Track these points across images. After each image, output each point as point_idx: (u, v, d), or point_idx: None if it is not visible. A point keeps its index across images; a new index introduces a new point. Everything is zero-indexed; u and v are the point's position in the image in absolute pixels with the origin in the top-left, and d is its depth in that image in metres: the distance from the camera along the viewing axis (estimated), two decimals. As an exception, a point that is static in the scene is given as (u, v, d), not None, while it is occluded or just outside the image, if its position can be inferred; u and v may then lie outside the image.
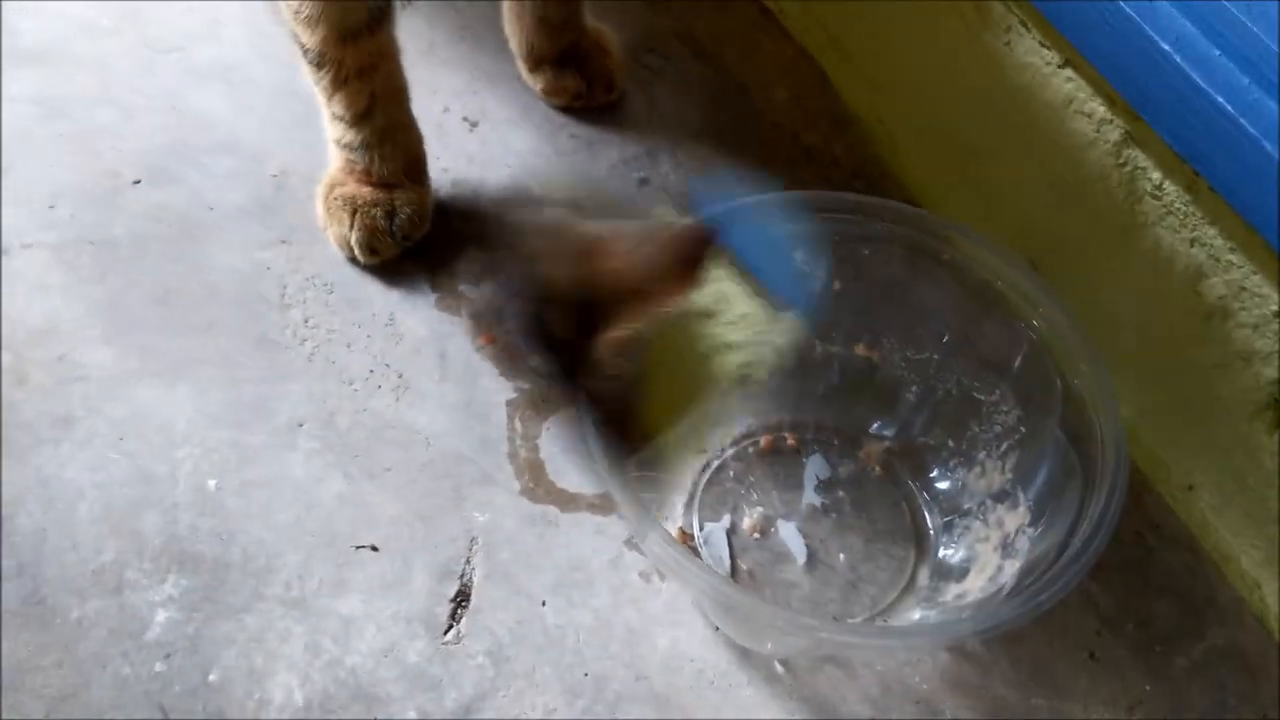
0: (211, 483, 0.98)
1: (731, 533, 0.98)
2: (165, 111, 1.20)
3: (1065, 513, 0.86)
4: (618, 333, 0.80)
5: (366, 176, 1.07)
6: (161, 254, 1.10)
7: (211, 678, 0.89)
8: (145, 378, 1.02)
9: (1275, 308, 0.88)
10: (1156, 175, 0.94)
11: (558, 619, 0.93)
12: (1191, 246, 0.92)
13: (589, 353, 0.80)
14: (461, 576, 0.95)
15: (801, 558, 0.97)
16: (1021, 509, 0.92)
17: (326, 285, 1.10)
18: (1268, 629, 0.96)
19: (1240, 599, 0.98)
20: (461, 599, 0.94)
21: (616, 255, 0.80)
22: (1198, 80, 0.84)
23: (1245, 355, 0.91)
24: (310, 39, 0.98)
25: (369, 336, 1.07)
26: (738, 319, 0.83)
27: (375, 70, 1.01)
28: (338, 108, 1.03)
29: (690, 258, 0.81)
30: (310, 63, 1.00)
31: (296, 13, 0.97)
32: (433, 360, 1.06)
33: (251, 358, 1.05)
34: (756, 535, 0.98)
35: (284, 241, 1.12)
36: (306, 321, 1.07)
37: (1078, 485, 0.87)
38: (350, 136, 1.04)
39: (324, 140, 1.10)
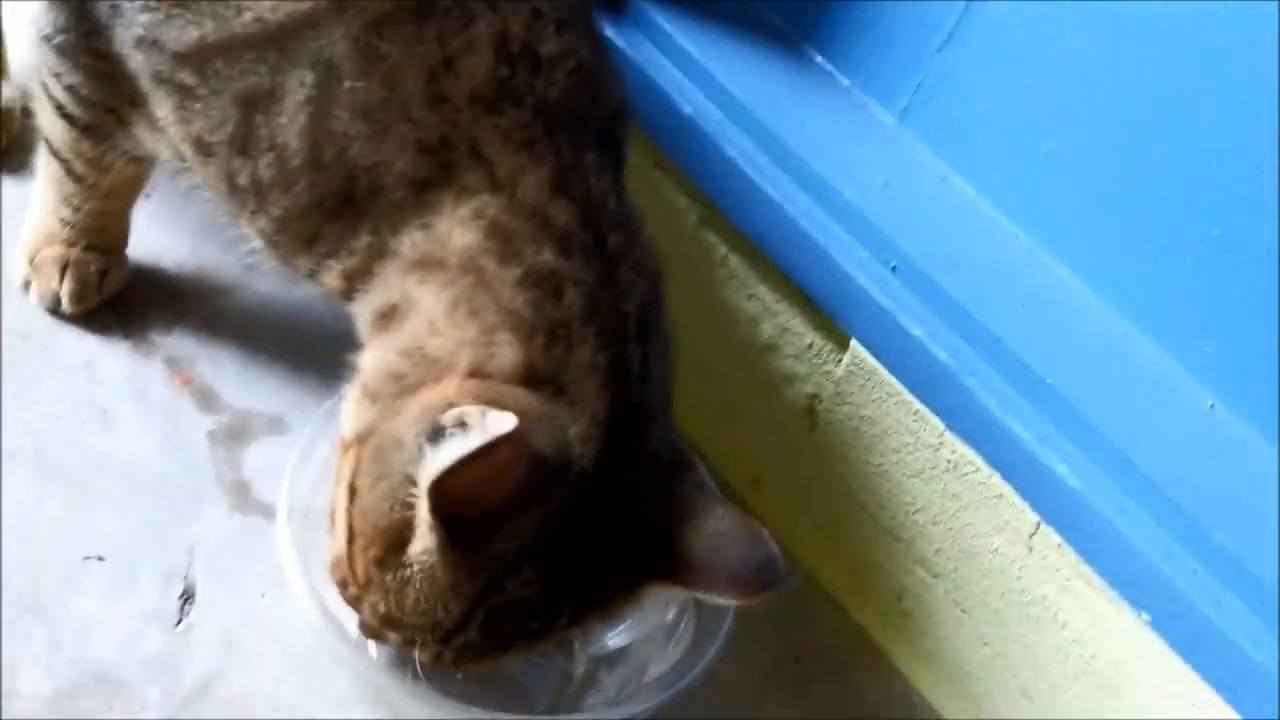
0: (-70, 508, 1.04)
1: None
2: None
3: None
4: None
5: (74, 243, 1.18)
6: None
7: (-43, 677, 0.96)
8: None
9: (807, 343, 1.24)
10: (723, 249, 1.28)
11: (276, 606, 1.09)
12: (748, 300, 1.27)
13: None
14: (185, 578, 1.08)
15: None
16: None
17: (21, 334, 1.19)
18: (826, 590, 1.30)
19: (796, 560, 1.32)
20: (188, 596, 1.07)
21: (696, 530, 0.88)
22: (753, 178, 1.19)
23: (790, 378, 1.26)
24: (79, 164, 1.11)
25: (68, 379, 1.17)
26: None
27: (125, 190, 1.17)
28: (76, 200, 1.15)
29: (750, 582, 0.88)
30: (66, 173, 1.13)
31: (73, 148, 1.10)
32: (133, 398, 1.18)
33: (-47, 397, 1.12)
34: None
35: (-29, 295, 1.20)
36: (6, 365, 1.16)
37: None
38: (77, 218, 1.16)
39: (9, 203, 1.21)
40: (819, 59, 1.26)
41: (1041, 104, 1.11)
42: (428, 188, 0.88)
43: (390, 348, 0.89)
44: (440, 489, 0.77)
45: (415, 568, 0.84)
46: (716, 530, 0.88)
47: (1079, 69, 1.08)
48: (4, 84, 1.31)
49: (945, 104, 1.18)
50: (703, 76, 1.23)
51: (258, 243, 0.97)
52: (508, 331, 0.84)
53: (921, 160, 1.20)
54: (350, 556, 0.88)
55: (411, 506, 0.82)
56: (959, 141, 1.18)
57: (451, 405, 0.79)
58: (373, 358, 0.91)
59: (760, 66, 1.24)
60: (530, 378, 0.83)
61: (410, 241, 0.88)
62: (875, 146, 1.20)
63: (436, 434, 0.78)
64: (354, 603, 0.91)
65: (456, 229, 0.87)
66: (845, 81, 1.25)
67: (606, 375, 0.85)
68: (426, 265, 0.88)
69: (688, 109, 1.22)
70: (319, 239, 0.92)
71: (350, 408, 0.91)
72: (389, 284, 0.90)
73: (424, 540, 0.82)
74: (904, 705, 1.23)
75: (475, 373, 0.84)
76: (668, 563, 0.88)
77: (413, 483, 0.80)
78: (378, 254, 0.90)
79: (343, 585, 0.91)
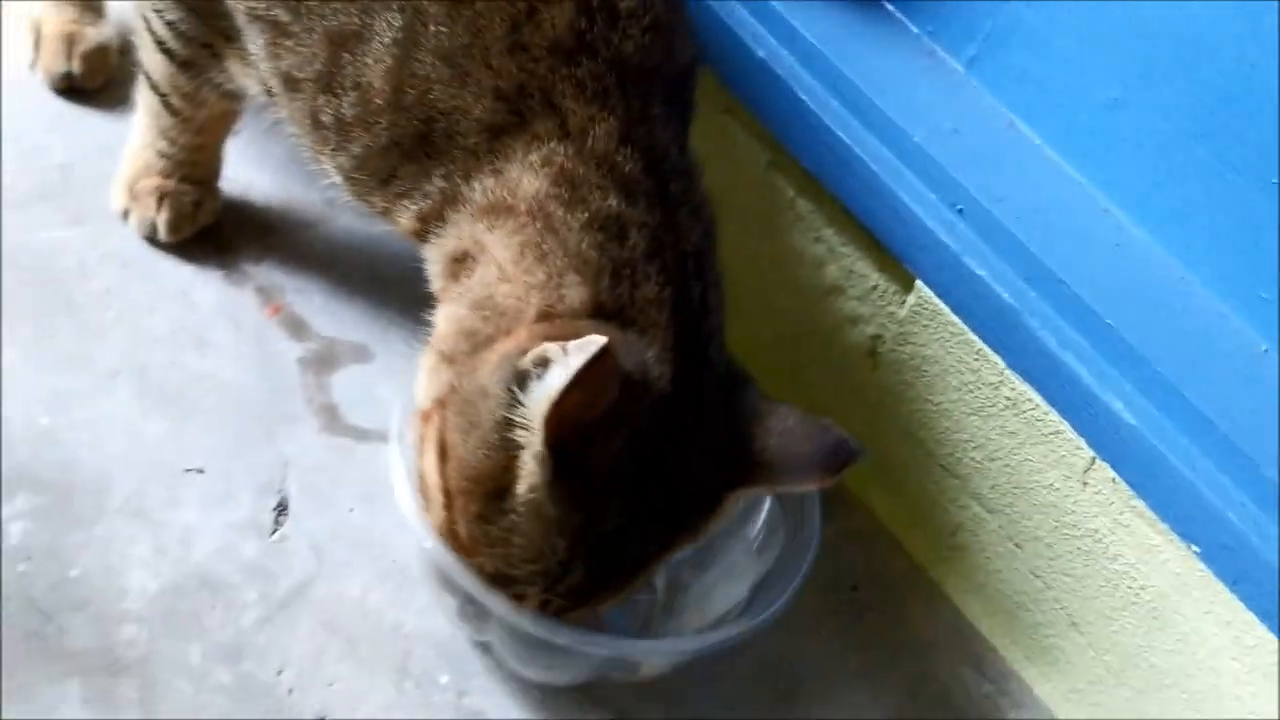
0: (44, 420, 1.11)
1: None
2: (-59, 102, 1.30)
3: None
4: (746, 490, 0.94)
5: (170, 175, 1.24)
6: (-39, 228, 1.21)
7: (73, 574, 1.03)
8: (-36, 331, 1.14)
9: (871, 285, 1.28)
10: (791, 192, 1.32)
11: (365, 521, 1.15)
12: (814, 243, 1.31)
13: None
14: (279, 492, 1.14)
15: None
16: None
17: (122, 261, 1.25)
18: (883, 524, 1.34)
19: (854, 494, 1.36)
20: (281, 509, 1.13)
21: (767, 431, 0.93)
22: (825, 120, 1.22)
23: (854, 319, 1.31)
24: (176, 98, 1.17)
25: (167, 304, 1.24)
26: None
27: (217, 126, 1.22)
28: (172, 133, 1.20)
29: (826, 466, 0.93)
30: (163, 106, 1.18)
31: (171, 82, 1.15)
32: (227, 325, 1.24)
33: (62, 318, 1.18)
34: None
35: (77, 223, 1.26)
36: (108, 290, 1.22)
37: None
38: (174, 151, 1.22)
39: (103, 139, 1.28)
40: (890, 6, 1.29)
41: (1107, 52, 1.14)
42: (501, 134, 0.92)
43: (461, 301, 0.93)
44: (556, 412, 0.81)
45: (521, 510, 0.87)
46: (785, 427, 0.93)
47: (1146, 17, 1.10)
48: (102, 23, 1.37)
49: (1012, 52, 1.21)
50: (776, 21, 1.26)
51: (336, 179, 1.02)
52: (574, 273, 0.89)
53: (988, 107, 1.23)
54: (451, 521, 0.92)
55: (506, 450, 0.86)
56: (1025, 89, 1.21)
57: (525, 351, 0.84)
58: (445, 315, 0.95)
59: (832, 13, 1.27)
60: (597, 313, 0.88)
61: (482, 188, 0.93)
62: (943, 93, 1.23)
63: (521, 378, 0.83)
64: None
65: (526, 175, 0.91)
66: (915, 29, 1.27)
67: (671, 308, 0.90)
68: (496, 211, 0.92)
69: (761, 52, 1.25)
70: (395, 178, 0.97)
71: (424, 376, 0.95)
72: (460, 230, 0.94)
73: (530, 478, 0.85)
74: (954, 634, 1.28)
75: (544, 316, 0.89)
76: (747, 467, 0.93)
77: (506, 426, 0.85)
78: (450, 199, 0.94)
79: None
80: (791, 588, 1.05)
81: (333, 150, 0.99)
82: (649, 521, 0.91)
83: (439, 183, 0.94)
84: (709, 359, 0.94)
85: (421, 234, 0.98)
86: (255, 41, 1.00)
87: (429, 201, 0.96)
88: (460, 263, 0.95)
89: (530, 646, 1.02)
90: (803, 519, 1.10)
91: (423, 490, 0.95)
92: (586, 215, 0.90)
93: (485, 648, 1.09)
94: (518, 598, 0.94)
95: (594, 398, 0.82)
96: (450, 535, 0.93)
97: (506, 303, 0.90)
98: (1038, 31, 1.18)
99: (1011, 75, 1.22)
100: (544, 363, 0.82)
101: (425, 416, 0.93)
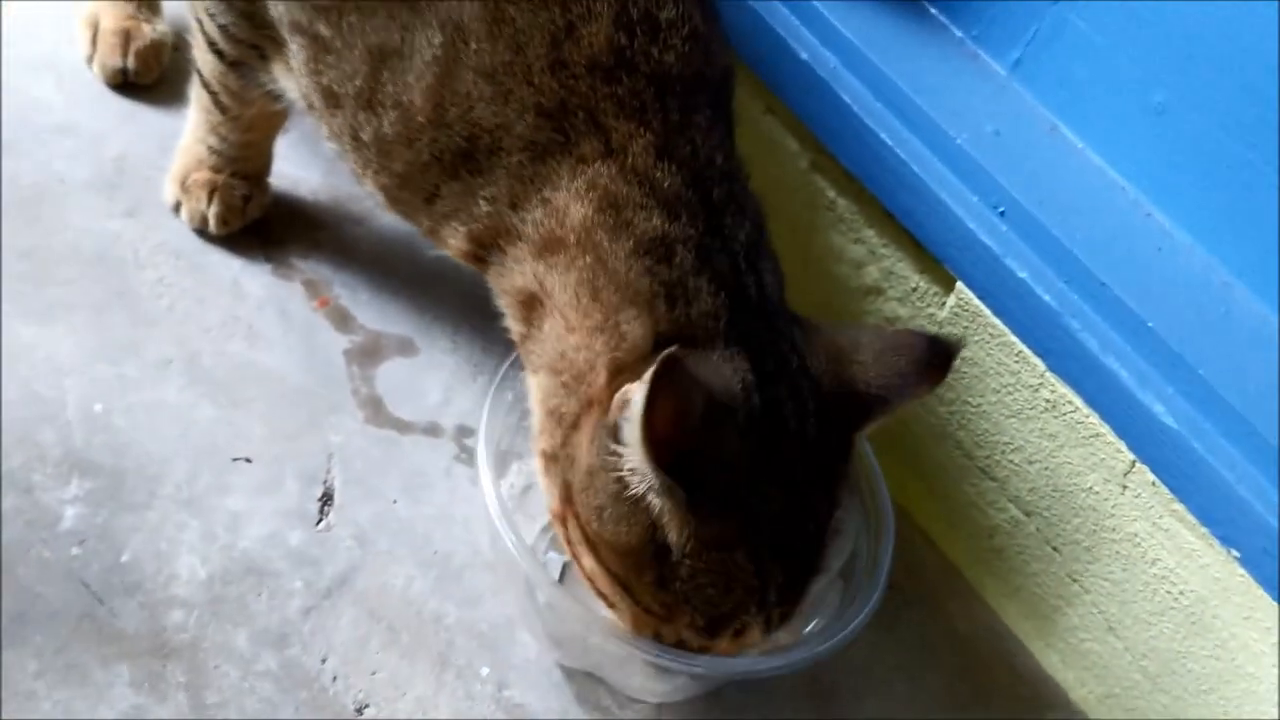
0: (98, 406, 1.13)
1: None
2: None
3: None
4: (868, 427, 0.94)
5: (221, 169, 1.26)
6: (19, 217, 1.23)
7: (124, 558, 1.05)
8: (21, 317, 1.16)
9: (912, 286, 1.28)
10: (832, 193, 1.33)
11: (408, 512, 1.17)
12: (854, 244, 1.32)
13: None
14: (325, 482, 1.16)
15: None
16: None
17: (174, 252, 1.27)
18: (920, 525, 1.35)
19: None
20: (327, 499, 1.15)
21: (862, 363, 0.94)
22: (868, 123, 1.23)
23: (893, 320, 1.31)
24: (225, 96, 1.19)
25: (217, 295, 1.26)
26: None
27: (265, 124, 1.24)
28: (222, 130, 1.23)
29: (931, 365, 0.94)
30: (213, 103, 1.21)
31: (221, 81, 1.17)
32: (275, 316, 1.26)
33: (116, 307, 1.21)
34: None
35: (130, 215, 1.28)
36: (161, 280, 1.25)
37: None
38: (224, 146, 1.25)
39: (157, 133, 1.31)
40: (933, 10, 1.29)
41: (1152, 56, 1.14)
42: (546, 157, 0.93)
43: (541, 365, 0.95)
44: (652, 432, 0.81)
45: (689, 549, 0.88)
46: (876, 351, 0.94)
47: (1191, 21, 1.10)
48: (158, 19, 1.40)
49: (1057, 56, 1.21)
50: (819, 22, 1.27)
51: (380, 199, 1.04)
52: (630, 306, 0.90)
53: (1031, 110, 1.23)
54: (639, 606, 0.93)
55: (639, 506, 0.87)
56: (1068, 93, 1.21)
57: (608, 413, 0.86)
58: (533, 392, 0.97)
59: (876, 16, 1.28)
60: (661, 342, 0.89)
61: (533, 220, 0.94)
62: (986, 96, 1.24)
63: (615, 432, 0.85)
64: (680, 645, 0.96)
65: (573, 203, 0.92)
66: (959, 33, 1.28)
67: (729, 311, 0.92)
68: (551, 247, 0.94)
69: (804, 54, 1.26)
70: (438, 197, 0.98)
71: (542, 482, 0.97)
72: (524, 268, 0.95)
73: (673, 515, 0.86)
74: (991, 636, 1.28)
75: (614, 374, 0.90)
76: (859, 404, 0.94)
77: (625, 485, 0.86)
78: (504, 229, 0.95)
79: (657, 638, 0.96)
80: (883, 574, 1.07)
81: (375, 171, 1.01)
82: (802, 488, 0.91)
83: (485, 205, 0.96)
84: (777, 331, 0.94)
85: (479, 260, 0.99)
86: (297, 56, 1.02)
87: (477, 224, 0.97)
88: (530, 307, 0.96)
89: (650, 675, 1.04)
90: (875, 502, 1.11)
91: (599, 593, 0.96)
92: (632, 241, 0.91)
93: (589, 675, 1.11)
94: (739, 632, 0.94)
95: (682, 404, 0.83)
96: (647, 617, 0.94)
97: (578, 359, 0.92)
98: (1082, 35, 1.18)
99: (1055, 78, 1.22)
100: (626, 404, 0.84)
101: (560, 519, 0.95)
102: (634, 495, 0.87)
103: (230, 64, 1.16)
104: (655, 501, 0.87)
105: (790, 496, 0.91)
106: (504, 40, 0.92)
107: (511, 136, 0.93)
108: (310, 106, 1.05)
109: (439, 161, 0.96)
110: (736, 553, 0.89)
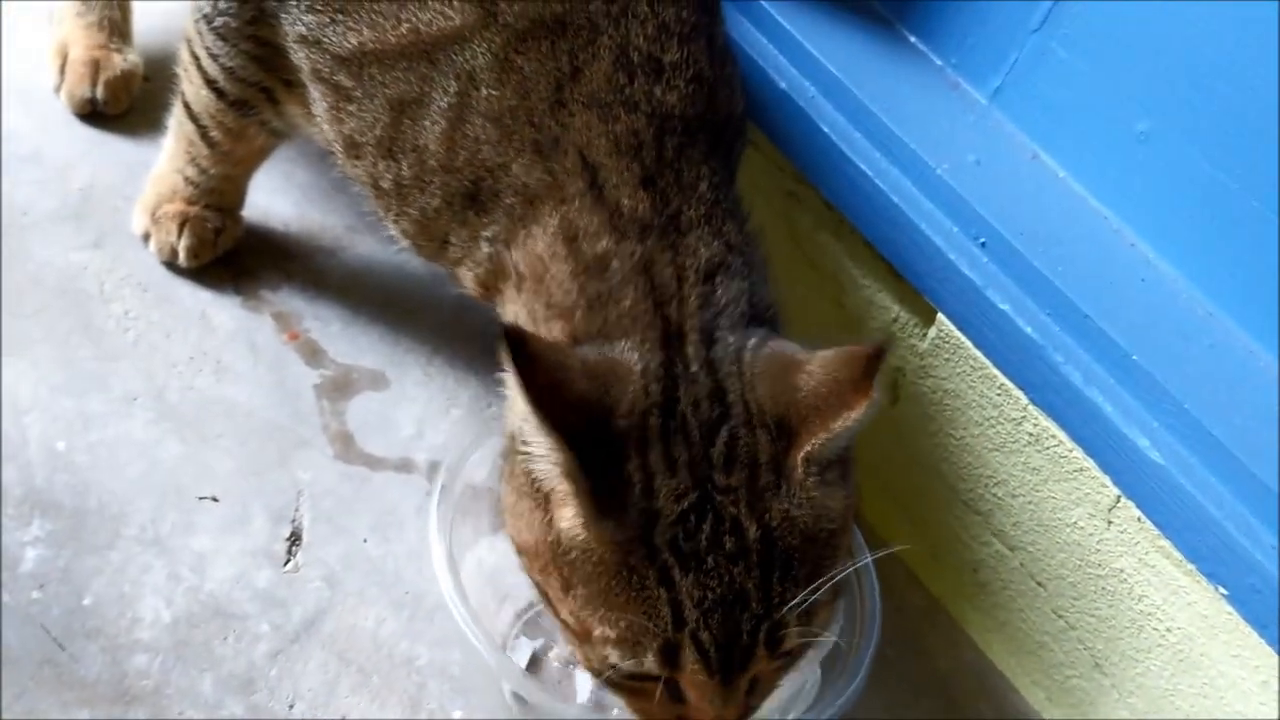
0: (60, 444, 1.11)
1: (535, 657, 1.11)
2: (-36, 125, 1.30)
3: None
4: (809, 447, 0.86)
5: (195, 201, 1.24)
6: (-18, 249, 1.21)
7: (86, 601, 1.02)
8: (-17, 355, 1.13)
9: (892, 317, 1.27)
10: (810, 223, 1.31)
11: (379, 551, 1.14)
12: (833, 274, 1.30)
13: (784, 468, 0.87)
14: (293, 520, 1.14)
15: (584, 696, 1.10)
16: None
17: (141, 284, 1.25)
18: (902, 560, 1.32)
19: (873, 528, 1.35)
20: (295, 538, 1.13)
21: (804, 384, 0.88)
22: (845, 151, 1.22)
23: (873, 350, 1.29)
24: (217, 131, 1.17)
25: (185, 328, 1.23)
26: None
27: (251, 159, 1.23)
28: (204, 162, 1.21)
29: (865, 378, 0.87)
30: (200, 137, 1.19)
31: (216, 117, 1.16)
32: (244, 349, 1.24)
33: (81, 341, 1.18)
34: (557, 664, 1.11)
35: (97, 245, 1.26)
36: (127, 313, 1.22)
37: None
38: (202, 179, 1.23)
39: (126, 162, 1.28)
40: (913, 39, 1.28)
41: (1134, 86, 1.12)
42: (535, 201, 0.94)
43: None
44: (530, 381, 0.79)
45: (583, 549, 0.83)
46: (810, 370, 0.89)
47: (1174, 49, 1.09)
48: (128, 49, 1.38)
49: (1037, 85, 1.20)
50: (798, 52, 1.25)
51: (407, 246, 1.04)
52: (556, 320, 0.90)
53: (1012, 139, 1.22)
54: (559, 620, 0.89)
55: (547, 499, 0.84)
56: (1050, 121, 1.20)
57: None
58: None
59: (855, 45, 1.27)
60: (572, 341, 0.88)
61: (515, 259, 0.94)
62: (966, 125, 1.22)
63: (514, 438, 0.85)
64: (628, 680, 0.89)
65: (541, 238, 0.93)
66: (938, 61, 1.27)
67: (653, 314, 0.89)
68: (519, 283, 0.94)
69: (782, 83, 1.25)
70: (449, 243, 0.99)
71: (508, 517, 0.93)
72: (514, 306, 0.95)
73: (565, 499, 0.83)
74: (975, 672, 1.26)
75: None
76: (793, 423, 0.87)
77: (534, 477, 0.84)
78: (501, 270, 0.96)
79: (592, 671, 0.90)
80: (863, 669, 1.03)
81: (395, 216, 1.02)
82: (718, 500, 0.84)
83: (485, 247, 0.97)
84: (714, 340, 0.90)
85: (490, 299, 1.00)
86: (319, 103, 1.03)
87: (481, 268, 0.98)
88: None
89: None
90: (861, 593, 1.08)
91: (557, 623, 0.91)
92: (573, 264, 0.91)
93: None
94: (670, 659, 0.84)
95: (553, 358, 0.82)
96: (575, 641, 0.88)
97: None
98: (1063, 63, 1.17)
99: (1036, 107, 1.21)
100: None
101: (518, 552, 0.91)
102: (537, 483, 0.84)
103: (232, 103, 1.15)
104: (558, 487, 0.83)
105: (701, 503, 0.84)
106: (512, 85, 0.94)
107: (509, 176, 0.94)
108: (331, 153, 1.06)
109: (449, 205, 0.97)
110: (632, 552, 0.83)
